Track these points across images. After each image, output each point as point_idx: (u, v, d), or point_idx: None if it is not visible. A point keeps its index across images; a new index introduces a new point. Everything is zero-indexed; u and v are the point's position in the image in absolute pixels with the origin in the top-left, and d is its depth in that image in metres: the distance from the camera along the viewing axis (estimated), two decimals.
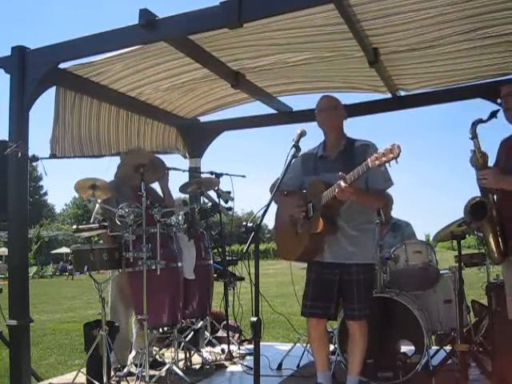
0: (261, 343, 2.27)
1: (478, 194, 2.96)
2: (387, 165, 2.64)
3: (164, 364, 3.84)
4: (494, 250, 2.93)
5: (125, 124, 5.10)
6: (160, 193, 4.38)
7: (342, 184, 2.78)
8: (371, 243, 3.27)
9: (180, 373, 3.69)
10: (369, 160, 2.67)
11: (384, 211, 4.21)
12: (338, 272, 3.13)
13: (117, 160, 4.44)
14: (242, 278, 5.02)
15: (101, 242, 4.12)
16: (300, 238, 3.10)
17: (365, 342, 3.14)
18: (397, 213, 4.66)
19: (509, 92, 2.96)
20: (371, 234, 3.25)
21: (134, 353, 4.15)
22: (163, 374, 3.70)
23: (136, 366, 3.68)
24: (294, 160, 3.28)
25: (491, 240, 2.93)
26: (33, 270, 30.30)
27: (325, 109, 3.19)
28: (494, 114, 2.95)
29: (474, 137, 2.97)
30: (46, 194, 65.23)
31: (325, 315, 3.22)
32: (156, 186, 4.38)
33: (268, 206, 2.52)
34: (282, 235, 3.27)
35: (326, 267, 3.14)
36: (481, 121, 2.97)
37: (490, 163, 3.00)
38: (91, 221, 4.04)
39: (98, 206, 4.09)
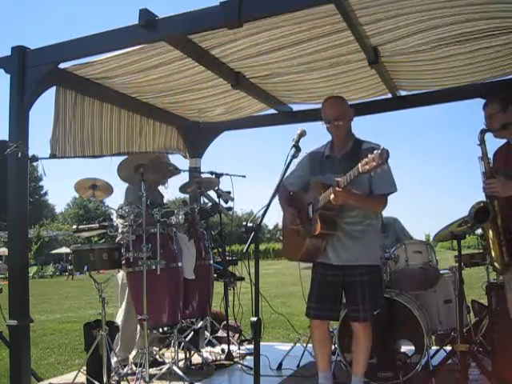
0: (261, 343, 2.28)
1: (483, 199, 2.97)
2: (389, 169, 2.65)
3: (164, 364, 3.85)
4: (497, 259, 2.94)
5: (126, 124, 5.10)
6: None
7: (336, 188, 2.80)
8: (375, 244, 3.22)
9: (180, 373, 3.69)
10: (359, 165, 2.67)
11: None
12: (342, 274, 3.13)
13: (118, 160, 4.44)
14: (242, 278, 5.02)
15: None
16: (302, 239, 3.11)
17: (369, 343, 3.14)
18: (396, 212, 4.66)
19: (490, 113, 3.10)
20: (374, 234, 3.20)
21: (134, 352, 4.15)
22: (163, 374, 3.70)
23: (136, 365, 3.69)
24: (302, 158, 3.30)
25: (494, 249, 2.94)
26: (33, 270, 30.33)
27: (331, 119, 3.15)
28: (503, 127, 3.01)
29: (482, 143, 3.01)
30: (46, 194, 65.35)
31: (329, 317, 3.23)
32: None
33: (268, 206, 2.51)
34: (286, 235, 3.29)
35: (330, 269, 3.14)
36: (489, 130, 3.03)
37: None
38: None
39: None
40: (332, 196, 2.82)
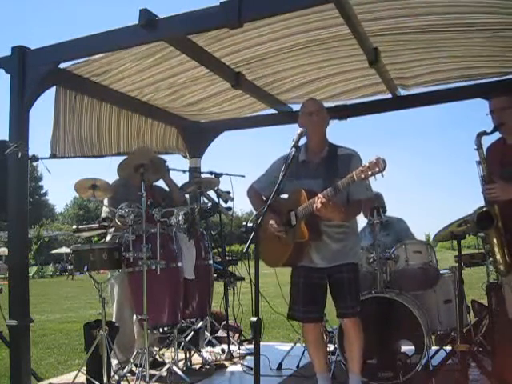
0: (261, 343, 2.28)
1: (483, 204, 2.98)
2: (372, 178, 2.63)
3: (164, 364, 3.84)
4: (501, 261, 2.94)
5: (125, 124, 5.11)
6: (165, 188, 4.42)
7: (323, 200, 2.77)
8: (357, 243, 3.29)
9: (180, 373, 3.69)
10: (354, 173, 2.65)
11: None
12: (328, 274, 3.13)
13: (117, 160, 4.44)
14: (242, 278, 5.03)
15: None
16: (284, 245, 3.06)
17: (361, 338, 3.13)
18: (396, 212, 4.66)
19: (501, 106, 3.02)
20: (356, 234, 3.28)
21: (134, 353, 4.15)
22: (163, 374, 3.70)
23: (136, 365, 3.69)
24: (275, 162, 3.29)
25: (497, 252, 2.94)
26: (33, 270, 30.30)
27: (313, 111, 3.14)
28: (497, 128, 3.01)
29: (479, 147, 3.01)
30: (46, 194, 65.31)
31: (320, 318, 3.24)
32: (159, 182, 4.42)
33: (268, 206, 2.52)
34: (265, 242, 3.14)
35: (316, 272, 3.13)
36: (485, 133, 3.03)
37: None
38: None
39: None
40: (318, 205, 2.78)
